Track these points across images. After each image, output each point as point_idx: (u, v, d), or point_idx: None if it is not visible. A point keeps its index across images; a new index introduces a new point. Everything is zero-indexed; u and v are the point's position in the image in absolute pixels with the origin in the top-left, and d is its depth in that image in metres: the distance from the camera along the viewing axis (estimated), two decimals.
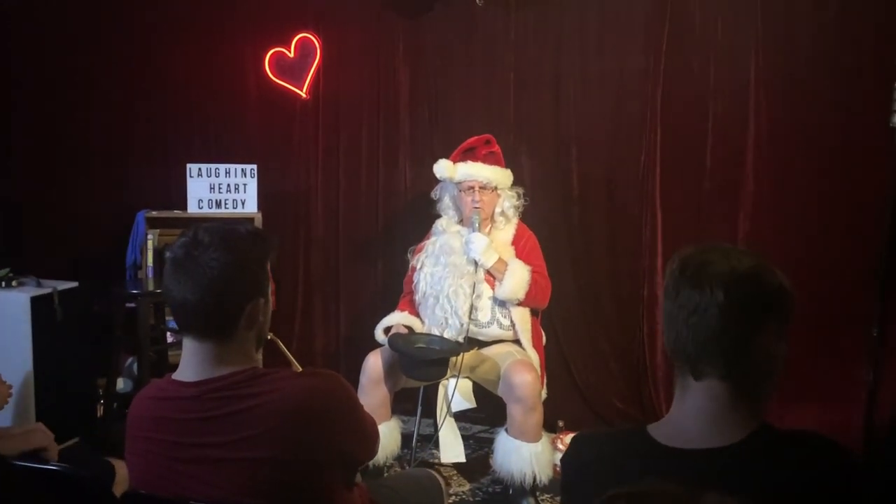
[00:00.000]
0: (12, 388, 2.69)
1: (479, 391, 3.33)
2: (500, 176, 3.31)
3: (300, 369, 4.25)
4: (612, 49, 3.79)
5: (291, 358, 4.45)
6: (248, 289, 1.58)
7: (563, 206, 3.90)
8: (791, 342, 1.36)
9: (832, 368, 3.48)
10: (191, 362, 1.59)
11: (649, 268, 3.82)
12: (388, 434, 3.18)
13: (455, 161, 3.33)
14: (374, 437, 1.78)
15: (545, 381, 3.40)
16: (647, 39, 3.73)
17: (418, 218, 3.77)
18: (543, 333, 3.52)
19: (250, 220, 4.00)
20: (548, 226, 3.77)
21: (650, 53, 3.73)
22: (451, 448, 3.17)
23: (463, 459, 3.22)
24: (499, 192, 3.33)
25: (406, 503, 2.10)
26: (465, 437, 3.39)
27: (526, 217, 3.51)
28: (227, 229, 1.61)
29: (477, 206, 3.26)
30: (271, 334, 4.58)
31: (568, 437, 3.16)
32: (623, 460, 1.36)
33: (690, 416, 1.33)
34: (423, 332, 3.29)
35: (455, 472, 3.46)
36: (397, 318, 3.35)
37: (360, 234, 4.30)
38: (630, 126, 3.80)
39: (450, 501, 3.19)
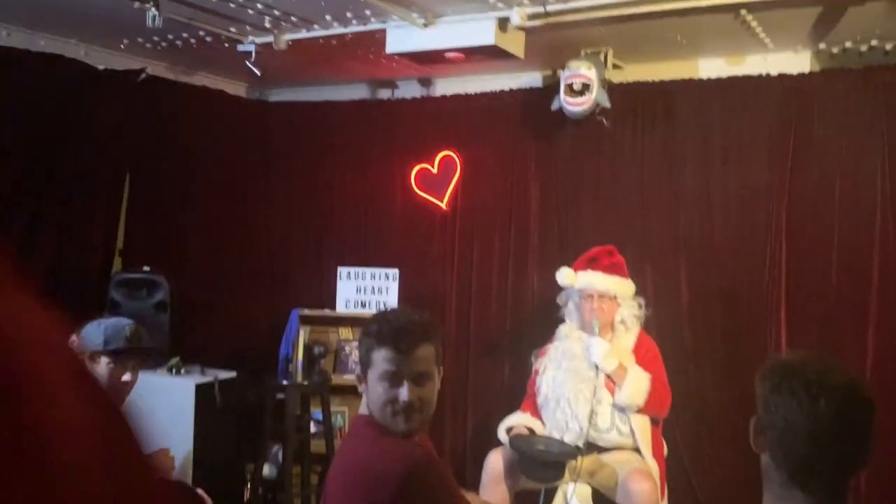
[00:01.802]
0: (174, 462, 3.07)
1: (599, 499, 3.39)
2: (620, 286, 3.47)
3: None
4: (735, 165, 3.92)
5: None
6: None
7: (689, 318, 3.98)
8: None
9: None
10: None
11: None
12: None
13: (577, 270, 3.53)
14: None
15: (665, 492, 3.43)
16: (771, 156, 3.84)
17: (544, 323, 3.95)
18: (665, 444, 3.56)
19: None
20: (668, 337, 3.85)
21: (774, 170, 3.83)
22: None
23: None
24: (619, 301, 3.48)
25: None
26: None
27: (649, 328, 3.63)
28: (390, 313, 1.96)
29: (597, 314, 3.42)
30: None
31: None
32: None
33: None
34: (544, 434, 3.43)
35: None
36: (519, 419, 3.51)
37: (490, 337, 4.53)
38: (754, 241, 3.87)
39: None
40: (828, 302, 3.73)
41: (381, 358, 1.85)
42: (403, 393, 1.82)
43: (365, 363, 1.88)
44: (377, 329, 1.87)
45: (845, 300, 3.70)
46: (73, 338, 2.52)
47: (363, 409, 1.90)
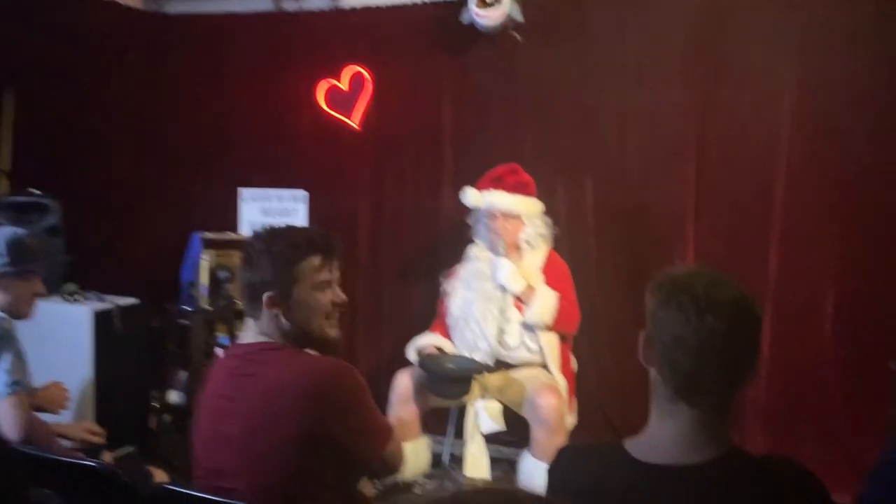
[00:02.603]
0: (68, 394, 2.94)
1: (510, 416, 3.42)
2: (524, 205, 3.43)
3: None
4: (648, 82, 3.88)
5: None
6: (264, 280, 1.86)
7: (596, 235, 3.98)
8: None
9: None
10: (245, 329, 1.96)
11: None
12: (417, 452, 3.31)
13: (482, 189, 3.47)
14: (379, 438, 1.85)
15: (574, 407, 3.48)
16: (684, 72, 3.81)
17: (458, 244, 3.90)
18: (574, 360, 3.60)
19: None
20: (579, 255, 3.86)
21: (687, 87, 3.81)
22: (477, 466, 3.27)
23: (487, 477, 3.31)
24: (524, 220, 3.44)
25: None
26: (496, 460, 3.47)
27: (560, 247, 3.62)
28: (273, 230, 1.95)
29: (499, 233, 3.38)
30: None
31: None
32: (603, 473, 1.44)
33: (669, 434, 1.39)
34: (453, 353, 3.42)
35: None
36: (428, 340, 3.49)
37: (404, 260, 4.46)
38: (665, 159, 3.87)
39: None
40: (734, 219, 3.78)
41: (312, 267, 1.86)
42: (339, 293, 1.91)
43: (286, 280, 1.84)
44: (305, 240, 1.89)
45: (752, 217, 3.75)
46: None
47: (257, 336, 1.88)
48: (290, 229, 1.97)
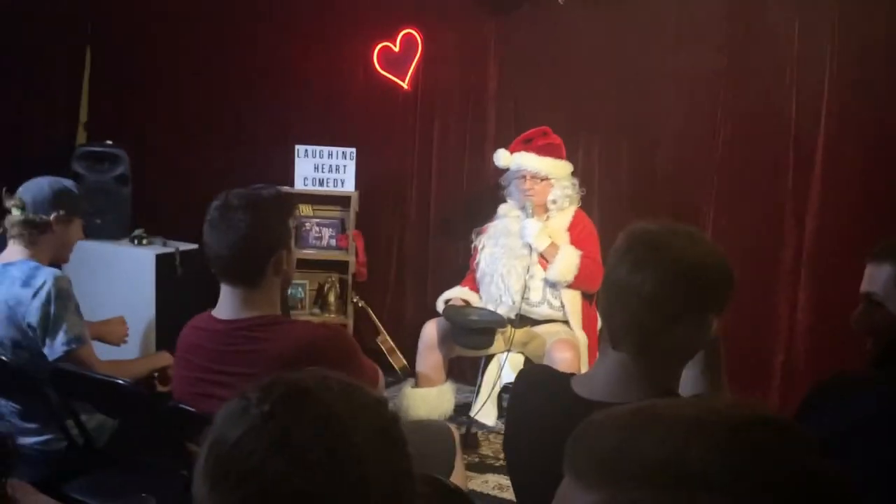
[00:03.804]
0: (127, 328, 3.24)
1: None
2: (552, 167, 3.54)
3: (387, 336, 4.62)
4: (687, 46, 3.91)
5: (379, 324, 4.87)
6: (271, 243, 1.90)
7: (628, 197, 4.06)
8: None
9: None
10: (224, 303, 1.96)
11: None
12: (441, 396, 3.51)
13: (513, 151, 3.59)
14: (369, 385, 2.04)
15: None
16: (721, 37, 3.82)
17: (499, 202, 4.04)
18: (599, 317, 3.72)
19: (347, 198, 4.46)
20: (609, 216, 3.95)
21: (724, 51, 3.82)
22: (488, 414, 3.47)
23: (492, 424, 3.51)
24: (552, 181, 3.55)
25: (414, 448, 2.39)
26: None
27: (591, 207, 3.73)
28: (252, 193, 1.95)
29: (528, 194, 3.51)
30: (363, 302, 4.98)
31: None
32: (546, 401, 1.57)
33: (602, 374, 1.51)
34: (479, 306, 3.59)
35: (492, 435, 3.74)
36: (457, 293, 3.68)
37: (448, 216, 4.64)
38: (700, 122, 3.91)
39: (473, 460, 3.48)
40: (767, 185, 3.80)
41: (293, 225, 1.97)
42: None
43: (287, 237, 1.93)
44: (278, 193, 1.99)
45: (783, 185, 3.76)
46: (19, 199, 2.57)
47: (244, 310, 1.90)
48: (251, 191, 1.94)
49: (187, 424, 1.92)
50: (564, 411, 1.51)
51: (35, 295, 2.40)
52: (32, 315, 2.40)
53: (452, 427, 2.61)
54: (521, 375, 1.71)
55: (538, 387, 1.65)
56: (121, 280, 4.10)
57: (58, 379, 2.27)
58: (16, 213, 2.50)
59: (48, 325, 2.41)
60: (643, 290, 1.37)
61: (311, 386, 0.86)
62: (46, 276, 2.44)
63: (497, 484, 3.21)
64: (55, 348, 2.41)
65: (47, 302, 2.40)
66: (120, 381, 2.17)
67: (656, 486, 0.53)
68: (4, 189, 2.54)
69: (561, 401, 1.52)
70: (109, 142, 4.39)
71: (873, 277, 1.65)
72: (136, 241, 4.22)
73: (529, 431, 1.58)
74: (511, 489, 1.69)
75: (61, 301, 2.43)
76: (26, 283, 2.42)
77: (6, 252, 2.56)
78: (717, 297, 1.43)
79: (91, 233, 3.79)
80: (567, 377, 1.58)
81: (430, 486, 1.57)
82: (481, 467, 3.41)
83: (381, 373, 2.10)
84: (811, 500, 0.53)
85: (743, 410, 0.57)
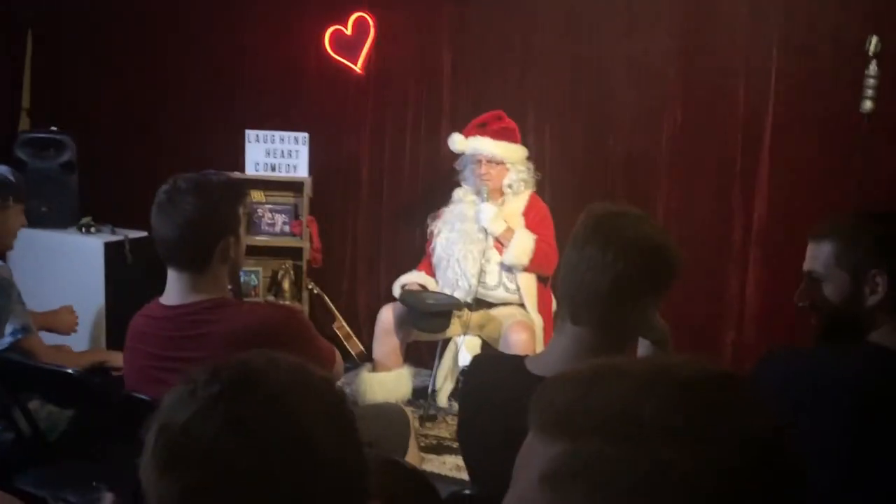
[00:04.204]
0: (77, 317, 3.18)
1: (487, 349, 3.61)
2: (507, 151, 3.55)
3: (343, 322, 4.61)
4: (640, 28, 3.95)
5: (335, 311, 4.84)
6: (219, 228, 1.88)
7: (580, 181, 4.10)
8: None
9: None
10: (172, 289, 1.93)
11: None
12: (398, 380, 3.52)
13: (468, 135, 3.60)
14: (327, 362, 1.99)
15: None
16: (673, 19, 3.87)
17: (454, 187, 4.05)
18: (554, 300, 3.75)
19: (300, 184, 4.41)
20: (561, 200, 3.98)
21: (675, 33, 3.87)
22: (446, 396, 3.50)
23: (449, 406, 3.54)
24: (507, 165, 3.57)
25: (368, 431, 2.40)
26: None
27: (543, 191, 3.75)
28: (201, 177, 1.92)
29: (483, 178, 3.52)
30: (318, 289, 4.95)
31: None
32: (501, 380, 1.59)
33: (559, 350, 1.54)
34: (436, 290, 3.60)
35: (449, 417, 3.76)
36: (413, 277, 3.69)
37: (402, 201, 4.63)
38: (652, 105, 3.96)
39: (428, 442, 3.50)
40: (718, 164, 3.87)
41: (244, 211, 1.94)
42: None
43: (237, 222, 1.91)
44: (229, 179, 1.98)
45: (732, 167, 3.84)
46: None
47: (191, 294, 1.88)
48: (200, 175, 1.92)
49: (140, 413, 1.88)
50: (520, 390, 1.52)
51: None
52: None
53: (407, 409, 2.62)
54: (474, 362, 1.73)
55: (492, 371, 1.67)
56: (69, 269, 4.01)
57: (2, 369, 2.21)
58: None
59: None
60: (616, 268, 1.41)
61: (259, 366, 0.87)
62: None
63: (455, 465, 3.23)
64: (2, 339, 2.36)
65: None
66: (69, 371, 2.12)
67: (615, 438, 0.55)
68: None
69: (516, 380, 1.53)
70: (54, 128, 4.28)
71: (814, 256, 1.70)
72: (83, 230, 4.13)
73: (485, 413, 1.59)
74: None
75: (3, 291, 2.37)
76: None
77: None
78: (673, 278, 1.49)
79: (37, 221, 3.72)
80: (521, 358, 1.60)
81: (389, 467, 1.57)
82: (439, 449, 3.42)
83: (338, 353, 2.09)
84: (759, 454, 0.56)
85: (695, 366, 0.60)
